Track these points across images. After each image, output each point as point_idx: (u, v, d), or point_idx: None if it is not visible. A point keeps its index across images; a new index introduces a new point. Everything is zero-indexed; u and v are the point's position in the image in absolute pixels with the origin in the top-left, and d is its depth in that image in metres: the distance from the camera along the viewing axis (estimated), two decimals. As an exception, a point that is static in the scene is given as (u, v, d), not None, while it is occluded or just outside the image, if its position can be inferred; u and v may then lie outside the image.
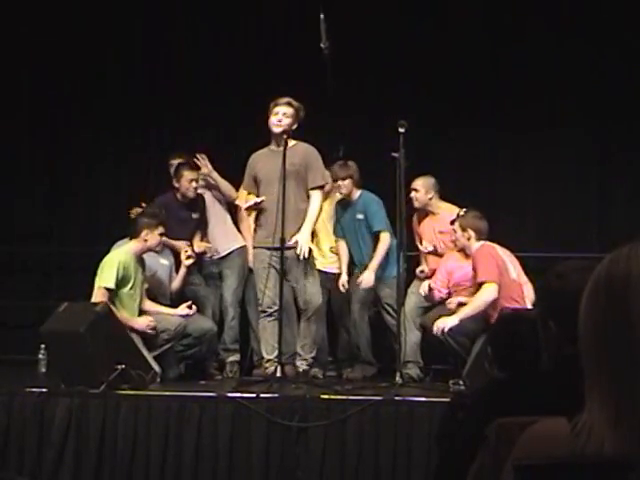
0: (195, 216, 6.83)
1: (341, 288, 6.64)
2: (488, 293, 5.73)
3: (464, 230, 6.05)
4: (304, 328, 6.00)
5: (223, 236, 6.97)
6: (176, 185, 6.79)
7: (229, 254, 6.95)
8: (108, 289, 5.87)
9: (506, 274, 5.87)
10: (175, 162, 6.87)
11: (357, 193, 6.64)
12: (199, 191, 6.84)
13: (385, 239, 6.49)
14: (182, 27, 8.05)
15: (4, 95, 7.96)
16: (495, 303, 5.72)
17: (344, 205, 6.71)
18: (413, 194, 6.57)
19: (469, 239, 6.03)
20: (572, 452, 1.22)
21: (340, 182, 6.55)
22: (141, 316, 6.04)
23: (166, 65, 7.98)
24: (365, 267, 6.54)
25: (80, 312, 5.60)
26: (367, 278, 6.47)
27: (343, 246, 6.78)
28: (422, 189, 6.58)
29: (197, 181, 6.78)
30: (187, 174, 6.75)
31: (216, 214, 7.00)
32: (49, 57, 8.03)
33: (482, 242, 6.02)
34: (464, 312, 5.80)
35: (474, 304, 5.79)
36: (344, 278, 6.65)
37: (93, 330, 5.38)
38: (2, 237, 7.99)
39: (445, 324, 5.77)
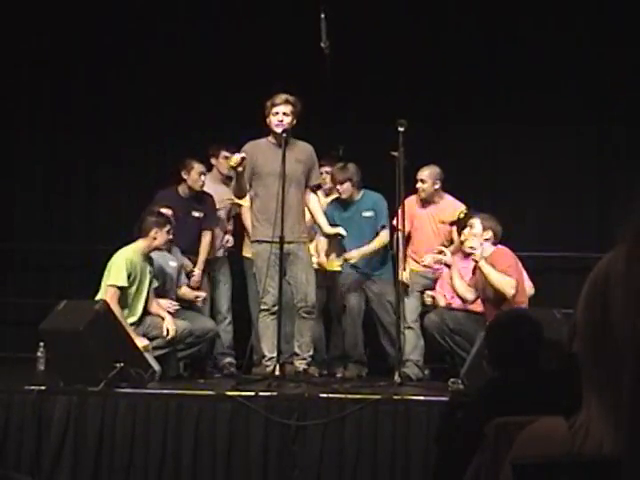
0: (197, 214, 6.72)
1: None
2: (508, 283, 5.69)
3: (485, 230, 5.95)
4: (301, 326, 5.98)
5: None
6: (185, 177, 6.70)
7: (218, 258, 6.90)
8: (120, 287, 5.82)
9: (521, 277, 5.90)
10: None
11: (360, 194, 6.58)
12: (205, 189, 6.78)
13: (386, 235, 6.46)
14: (181, 25, 8.04)
15: (3, 92, 7.95)
16: (508, 302, 5.68)
17: (343, 205, 6.62)
18: (419, 185, 6.51)
19: (487, 239, 5.95)
20: (570, 451, 1.22)
21: (339, 185, 6.52)
22: (145, 318, 6.01)
23: (165, 63, 7.96)
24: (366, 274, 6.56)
25: (79, 310, 5.59)
26: (353, 254, 6.41)
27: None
28: (429, 180, 6.51)
29: (205, 174, 6.74)
30: (198, 166, 6.68)
31: None
32: (49, 52, 8.03)
33: (497, 246, 5.99)
34: (483, 267, 5.76)
35: (492, 271, 5.70)
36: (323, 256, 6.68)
37: (92, 328, 5.38)
38: (2, 234, 7.99)
39: (446, 260, 5.92)
